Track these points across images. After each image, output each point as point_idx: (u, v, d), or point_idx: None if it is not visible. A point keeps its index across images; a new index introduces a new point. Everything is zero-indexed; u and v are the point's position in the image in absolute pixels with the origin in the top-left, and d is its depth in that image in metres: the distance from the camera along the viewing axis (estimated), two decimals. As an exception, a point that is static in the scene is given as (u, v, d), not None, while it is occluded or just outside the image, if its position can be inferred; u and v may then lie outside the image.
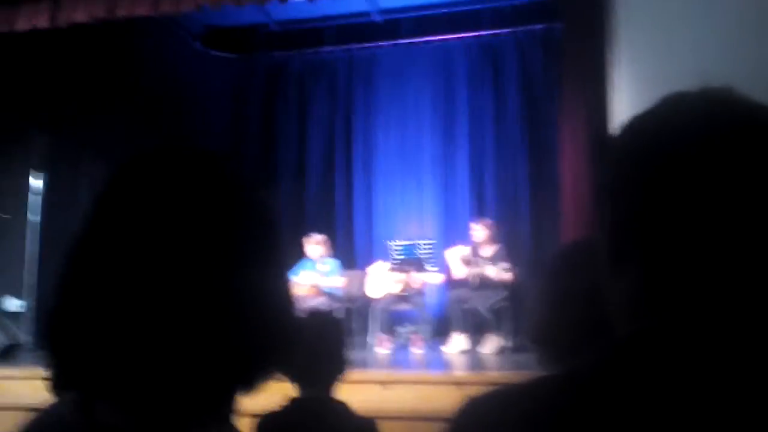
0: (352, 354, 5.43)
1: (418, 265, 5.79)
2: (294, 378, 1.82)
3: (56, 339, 0.64)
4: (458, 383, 3.73)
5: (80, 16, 5.08)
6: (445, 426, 0.61)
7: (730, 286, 0.57)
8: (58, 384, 0.64)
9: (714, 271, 0.57)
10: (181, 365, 0.62)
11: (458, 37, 7.30)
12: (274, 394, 1.83)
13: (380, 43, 7.50)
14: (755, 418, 0.52)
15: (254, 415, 1.86)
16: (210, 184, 0.67)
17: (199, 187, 0.66)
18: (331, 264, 6.22)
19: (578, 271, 1.09)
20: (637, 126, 0.63)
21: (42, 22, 5.11)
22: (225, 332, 0.63)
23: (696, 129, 0.58)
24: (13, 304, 5.44)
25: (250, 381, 0.67)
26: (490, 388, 0.62)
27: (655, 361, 0.56)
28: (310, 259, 6.22)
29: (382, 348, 5.80)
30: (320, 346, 1.76)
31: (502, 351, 5.51)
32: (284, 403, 1.80)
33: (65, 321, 0.63)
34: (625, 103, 3.62)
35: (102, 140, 5.63)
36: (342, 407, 1.79)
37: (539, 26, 6.96)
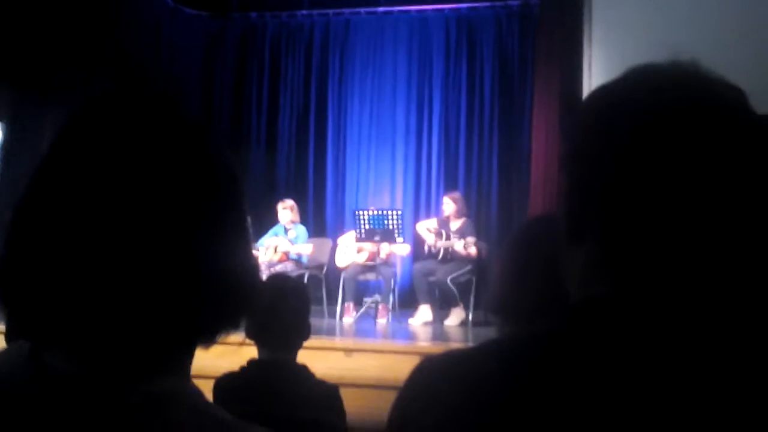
0: (317, 322, 5.43)
1: (385, 235, 5.81)
2: (256, 340, 1.82)
3: (6, 288, 0.63)
4: (421, 353, 3.78)
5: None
6: (402, 385, 0.62)
7: (684, 258, 0.58)
8: (11, 333, 0.63)
9: (669, 242, 0.58)
10: (134, 315, 0.61)
11: (436, 9, 7.24)
12: (240, 356, 1.85)
13: (357, 10, 7.41)
14: (700, 382, 0.53)
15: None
16: (173, 133, 0.65)
17: (158, 133, 0.64)
18: (299, 230, 6.21)
19: (537, 242, 1.11)
20: (602, 95, 0.63)
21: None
22: (178, 285, 0.62)
23: (660, 100, 0.59)
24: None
25: (205, 335, 0.66)
26: (444, 352, 0.63)
27: (604, 327, 0.57)
28: (281, 225, 6.20)
29: (347, 317, 5.83)
30: (282, 309, 1.76)
31: (465, 324, 5.59)
32: (244, 365, 1.81)
33: (15, 269, 0.62)
34: (597, 79, 3.64)
35: (67, 94, 5.49)
36: (303, 371, 1.81)
37: (516, 2, 6.93)
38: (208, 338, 0.67)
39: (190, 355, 0.68)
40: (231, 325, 0.69)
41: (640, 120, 0.58)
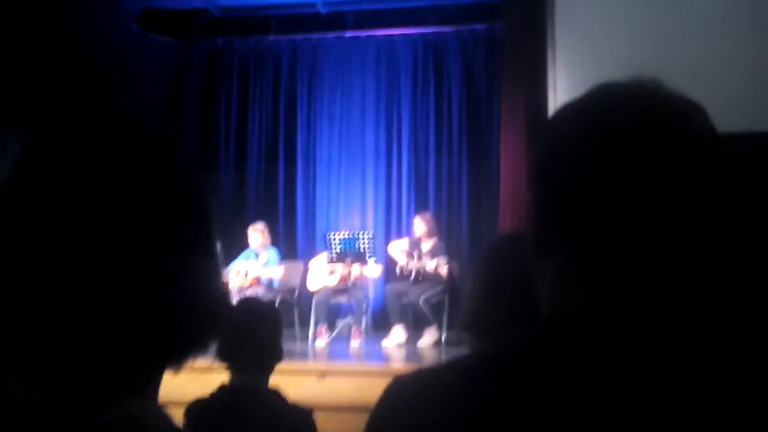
0: (290, 345, 5.37)
1: (357, 257, 5.80)
2: (228, 364, 1.79)
3: None
4: (394, 375, 3.76)
5: (10, -10, 4.84)
6: (375, 405, 0.62)
7: (650, 270, 0.59)
8: None
9: (633, 255, 0.59)
10: (100, 340, 0.60)
11: (402, 33, 7.33)
12: (209, 381, 1.82)
13: (324, 35, 7.45)
14: (674, 393, 0.54)
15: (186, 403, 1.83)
16: (139, 154, 0.64)
17: (127, 156, 0.63)
18: (269, 254, 6.16)
19: (506, 259, 1.12)
20: (566, 113, 0.65)
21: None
22: (145, 308, 0.61)
23: (621, 117, 0.60)
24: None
25: (172, 359, 0.65)
26: (416, 369, 0.63)
27: (574, 341, 0.57)
28: (252, 249, 6.15)
29: (320, 340, 5.79)
30: (253, 333, 1.75)
31: (438, 344, 5.58)
32: (214, 391, 1.78)
33: None
34: (562, 98, 3.72)
35: (34, 121, 5.40)
36: (275, 395, 1.78)
37: (482, 26, 7.05)
38: (176, 362, 0.66)
39: (158, 379, 0.67)
40: (199, 349, 0.68)
41: (602, 136, 0.60)
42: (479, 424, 0.55)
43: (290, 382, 3.46)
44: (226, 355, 1.76)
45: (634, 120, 0.60)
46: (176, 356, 0.65)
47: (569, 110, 0.64)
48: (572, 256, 0.61)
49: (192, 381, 2.11)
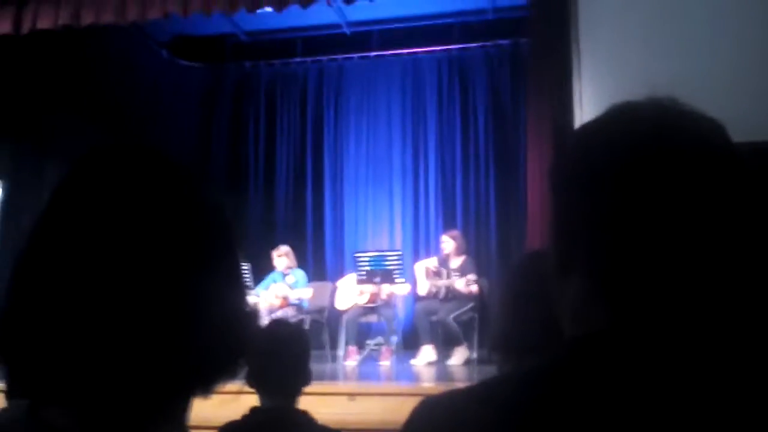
0: (320, 366, 5.36)
1: (385, 276, 5.79)
2: (257, 387, 1.80)
3: (6, 344, 0.63)
4: (424, 395, 3.74)
5: (44, 22, 4.99)
6: (402, 426, 0.62)
7: (673, 291, 0.58)
8: (11, 390, 0.63)
9: (657, 276, 0.58)
10: (129, 367, 0.61)
11: (427, 51, 7.37)
12: (241, 404, 1.83)
13: (350, 55, 7.54)
14: (703, 413, 0.53)
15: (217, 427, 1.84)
16: (165, 185, 0.67)
17: (153, 188, 0.66)
18: (297, 275, 6.19)
19: (533, 278, 1.11)
20: (584, 133, 0.65)
21: (5, 27, 5.01)
22: (173, 336, 0.63)
23: (638, 136, 0.60)
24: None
25: (201, 386, 0.66)
26: (444, 391, 0.63)
27: (599, 365, 0.57)
28: (279, 271, 6.18)
29: (350, 360, 5.77)
30: (282, 355, 1.75)
31: (469, 362, 5.53)
32: (246, 414, 1.78)
33: (14, 326, 0.62)
34: (589, 115, 3.70)
35: (66, 148, 5.53)
36: (304, 418, 1.78)
37: (507, 41, 7.06)
38: (205, 388, 0.67)
39: (186, 405, 0.67)
40: (227, 374, 0.68)
41: (619, 155, 0.60)
42: None
43: (321, 402, 3.45)
44: (254, 379, 1.77)
45: (652, 139, 0.60)
46: (203, 382, 0.66)
47: (588, 130, 0.65)
48: (593, 275, 0.61)
49: (224, 404, 2.13)
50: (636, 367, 0.56)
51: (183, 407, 0.67)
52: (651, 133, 0.60)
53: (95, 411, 0.61)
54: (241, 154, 7.74)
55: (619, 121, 0.62)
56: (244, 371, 1.74)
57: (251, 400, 1.84)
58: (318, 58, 7.61)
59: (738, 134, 0.64)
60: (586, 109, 4.01)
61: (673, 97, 0.63)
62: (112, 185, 0.65)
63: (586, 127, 0.65)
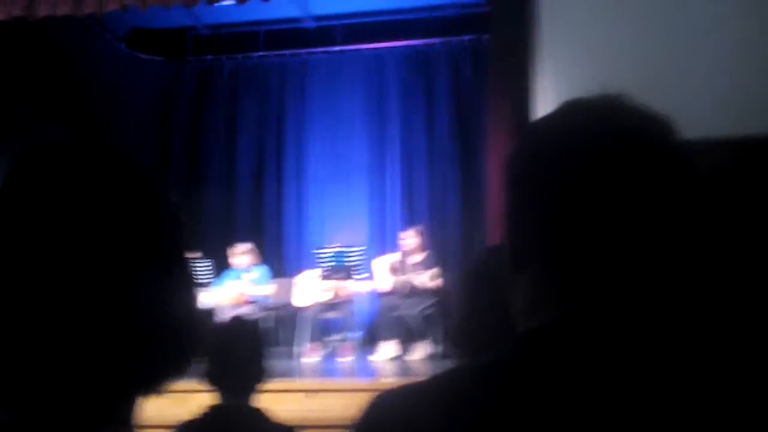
0: (279, 363, 5.34)
1: (346, 272, 5.78)
2: (212, 385, 1.79)
3: None
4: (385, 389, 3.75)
5: (-4, 13, 4.85)
6: (355, 420, 0.61)
7: (622, 285, 0.59)
8: None
9: (606, 270, 0.59)
10: (73, 367, 0.60)
11: (390, 46, 7.37)
12: (197, 402, 1.81)
13: (313, 50, 7.49)
14: (652, 405, 0.54)
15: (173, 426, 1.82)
16: (115, 182, 0.66)
17: (102, 185, 0.65)
18: (260, 272, 6.14)
19: (490, 274, 1.12)
20: (536, 129, 0.66)
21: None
22: (118, 335, 0.62)
23: (588, 133, 0.61)
24: None
25: (148, 384, 0.66)
26: (398, 385, 0.64)
27: (549, 357, 0.58)
28: (235, 269, 6.12)
29: (310, 357, 5.76)
30: (237, 353, 1.74)
31: (431, 357, 5.56)
32: (202, 411, 1.77)
33: None
34: (546, 111, 3.74)
35: (21, 142, 5.39)
36: (260, 415, 1.78)
37: (469, 37, 7.10)
38: (152, 387, 0.66)
39: (133, 405, 0.66)
40: (174, 373, 0.68)
41: (569, 151, 0.61)
42: None
43: (282, 399, 3.44)
44: (210, 377, 1.76)
45: (601, 135, 0.61)
46: (149, 382, 0.66)
47: (539, 126, 0.66)
48: (545, 271, 0.61)
49: (180, 402, 2.10)
50: (585, 358, 0.57)
51: (129, 407, 0.66)
52: (600, 129, 0.61)
53: (39, 412, 0.60)
54: (202, 149, 7.63)
55: (569, 117, 0.63)
56: (200, 369, 1.73)
57: (208, 397, 1.82)
58: (281, 52, 7.54)
59: (697, 130, 0.65)
60: (545, 106, 4.06)
61: (624, 94, 0.64)
62: (60, 182, 0.64)
63: (538, 123, 0.66)
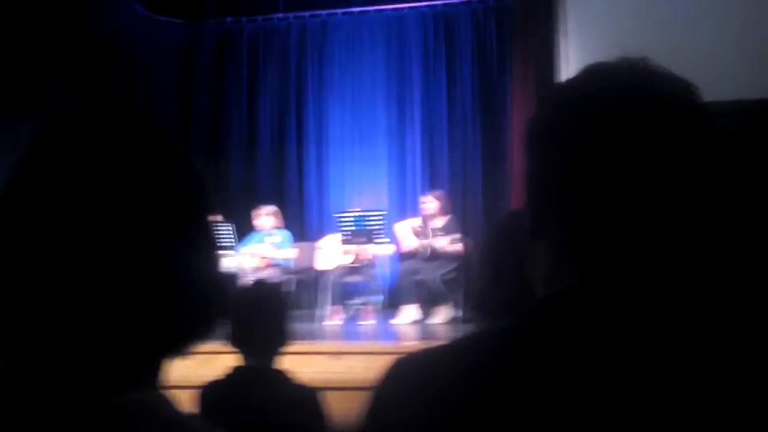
0: (301, 325, 5.40)
1: (368, 236, 5.80)
2: (236, 347, 1.82)
3: None
4: (406, 353, 3.79)
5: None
6: (375, 386, 0.63)
7: (643, 249, 0.59)
8: None
9: (628, 237, 0.59)
10: (101, 328, 0.61)
11: (412, 6, 7.25)
12: (221, 363, 1.85)
13: (333, 11, 7.40)
14: (671, 372, 0.54)
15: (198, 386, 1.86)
16: (138, 148, 0.66)
17: (126, 150, 0.65)
18: (283, 235, 6.18)
19: (512, 239, 1.11)
20: (558, 94, 0.65)
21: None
22: (145, 296, 0.63)
23: (611, 97, 0.60)
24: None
25: (174, 346, 0.67)
26: (417, 350, 0.64)
27: (566, 323, 0.58)
28: (259, 231, 6.17)
29: (333, 320, 5.82)
30: (260, 316, 1.77)
31: (452, 321, 5.60)
32: (227, 372, 1.81)
33: None
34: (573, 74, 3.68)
35: (42, 108, 5.43)
36: (282, 377, 1.81)
37: (493, -2, 6.96)
38: (178, 349, 0.67)
39: (160, 366, 0.68)
40: (200, 335, 0.69)
41: (591, 117, 0.60)
42: (479, 404, 0.56)
43: (304, 362, 3.49)
44: (234, 339, 1.79)
45: (624, 100, 0.60)
46: (176, 344, 0.67)
47: (561, 92, 0.65)
48: (565, 236, 0.61)
49: (205, 364, 2.14)
50: (603, 324, 0.57)
51: (156, 368, 0.68)
52: (623, 95, 0.60)
53: (69, 372, 0.61)
54: (223, 112, 7.62)
55: (591, 82, 0.62)
56: (224, 332, 1.75)
57: (232, 359, 1.85)
58: (300, 13, 7.46)
59: (721, 93, 0.64)
60: (571, 68, 3.99)
61: (647, 58, 0.62)
62: (84, 148, 0.64)
63: (560, 89, 0.65)
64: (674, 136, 0.58)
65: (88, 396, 0.60)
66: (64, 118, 0.67)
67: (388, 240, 5.90)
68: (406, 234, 5.99)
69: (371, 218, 5.79)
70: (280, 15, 7.49)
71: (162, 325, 0.64)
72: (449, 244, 5.67)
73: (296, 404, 1.78)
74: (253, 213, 6.23)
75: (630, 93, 0.60)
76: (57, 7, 5.88)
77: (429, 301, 5.82)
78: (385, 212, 6.04)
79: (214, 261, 0.71)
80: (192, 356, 0.69)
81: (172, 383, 0.70)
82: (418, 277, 5.75)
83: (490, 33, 7.05)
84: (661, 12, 3.66)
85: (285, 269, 6.05)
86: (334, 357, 4.10)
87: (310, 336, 4.84)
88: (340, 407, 2.10)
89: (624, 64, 0.62)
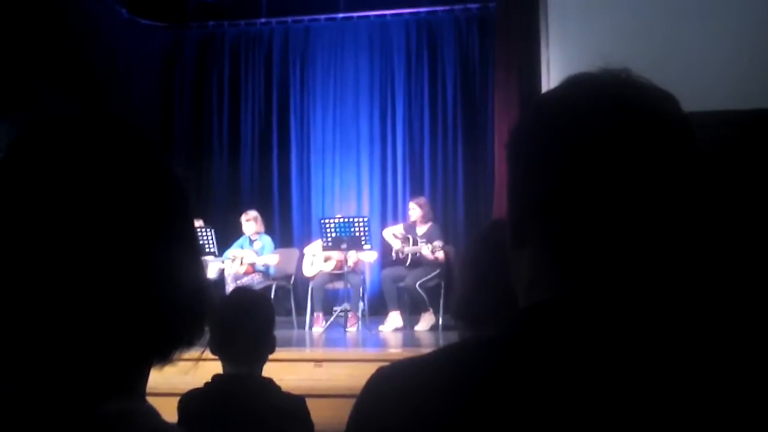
0: (286, 333, 5.38)
1: (352, 242, 5.80)
2: (220, 355, 1.80)
3: None
4: (391, 360, 3.79)
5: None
6: (358, 396, 0.62)
7: (625, 261, 0.59)
8: None
9: (609, 246, 0.59)
10: (83, 337, 0.61)
11: (395, 13, 7.27)
12: (202, 372, 1.83)
13: (317, 17, 7.40)
14: (651, 383, 0.54)
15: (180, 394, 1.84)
16: (120, 153, 0.65)
17: (108, 156, 0.64)
18: (264, 241, 6.16)
19: (494, 247, 1.12)
20: (540, 103, 0.65)
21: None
22: (127, 305, 0.62)
23: (592, 107, 0.60)
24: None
25: (157, 354, 0.66)
26: (399, 360, 0.64)
27: (551, 333, 0.58)
28: (247, 237, 6.14)
29: (317, 327, 5.80)
30: (245, 323, 1.75)
31: (435, 328, 5.60)
32: (208, 381, 1.79)
33: None
34: (556, 82, 3.71)
35: (22, 110, 5.37)
36: (268, 384, 1.79)
37: (475, 5, 7.00)
38: (162, 357, 0.67)
39: (144, 375, 0.67)
40: (184, 343, 0.68)
41: (573, 126, 0.60)
42: (461, 414, 0.55)
43: (288, 369, 3.47)
44: (217, 347, 1.77)
45: (605, 110, 0.60)
46: (160, 352, 0.66)
47: (543, 102, 0.65)
48: (547, 245, 0.61)
49: (186, 372, 2.12)
50: (586, 334, 0.57)
51: (140, 377, 0.67)
52: (604, 106, 0.60)
53: (53, 381, 0.60)
54: (205, 117, 7.58)
55: (573, 93, 0.63)
56: (206, 339, 1.74)
57: (213, 367, 1.84)
58: (283, 19, 7.45)
59: (705, 104, 0.65)
60: (553, 75, 4.02)
61: (628, 69, 0.63)
62: (63, 153, 0.63)
63: (542, 98, 0.66)
64: (654, 147, 0.59)
65: (71, 406, 0.59)
66: (43, 121, 0.66)
67: (370, 247, 5.90)
68: (387, 242, 6.02)
69: (355, 224, 5.79)
70: (263, 20, 7.48)
71: (146, 332, 0.63)
72: (431, 251, 5.69)
73: (285, 413, 1.76)
74: (242, 217, 6.21)
75: (611, 104, 0.60)
76: (39, 10, 5.82)
77: (412, 308, 5.82)
78: (368, 219, 6.05)
79: (198, 267, 0.71)
80: (175, 363, 0.68)
81: (154, 391, 0.70)
82: (401, 284, 5.76)
83: (472, 40, 7.09)
84: (642, 20, 3.70)
85: (266, 275, 6.03)
86: (317, 364, 4.09)
87: (293, 343, 4.83)
88: (326, 415, 2.09)
89: (605, 75, 0.63)
